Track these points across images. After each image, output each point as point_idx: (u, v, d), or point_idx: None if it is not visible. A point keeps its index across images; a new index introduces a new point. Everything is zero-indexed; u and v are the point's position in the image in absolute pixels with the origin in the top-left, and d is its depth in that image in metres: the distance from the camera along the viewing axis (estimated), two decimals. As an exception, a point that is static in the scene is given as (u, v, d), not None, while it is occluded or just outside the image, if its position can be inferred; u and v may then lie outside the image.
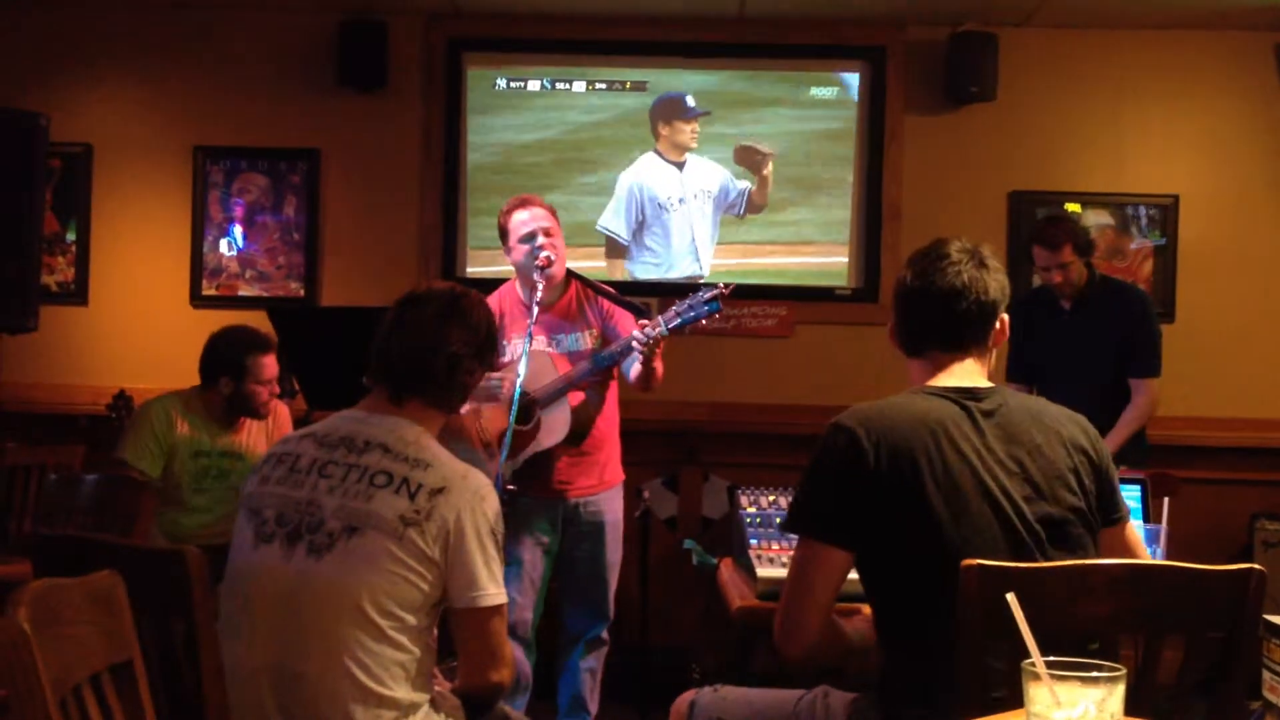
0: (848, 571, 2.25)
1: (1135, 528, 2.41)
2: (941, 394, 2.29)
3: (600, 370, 3.93)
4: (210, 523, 4.16)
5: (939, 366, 2.35)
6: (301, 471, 2.42)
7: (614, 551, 4.06)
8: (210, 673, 2.12)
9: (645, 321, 3.75)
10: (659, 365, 3.82)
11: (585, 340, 4.02)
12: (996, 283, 2.33)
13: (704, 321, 3.75)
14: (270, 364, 4.24)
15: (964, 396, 2.28)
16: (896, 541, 2.20)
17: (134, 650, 1.80)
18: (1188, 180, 5.71)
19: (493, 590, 2.37)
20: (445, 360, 2.52)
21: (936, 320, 2.34)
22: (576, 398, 3.95)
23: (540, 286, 3.87)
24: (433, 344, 2.53)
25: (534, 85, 5.83)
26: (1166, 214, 5.69)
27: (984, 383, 2.34)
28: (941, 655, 2.07)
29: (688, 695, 2.52)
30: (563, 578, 4.08)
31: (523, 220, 3.98)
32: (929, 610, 2.16)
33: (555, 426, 3.92)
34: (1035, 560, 2.15)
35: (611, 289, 4.09)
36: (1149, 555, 2.44)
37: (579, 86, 5.83)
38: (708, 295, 3.73)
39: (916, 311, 2.37)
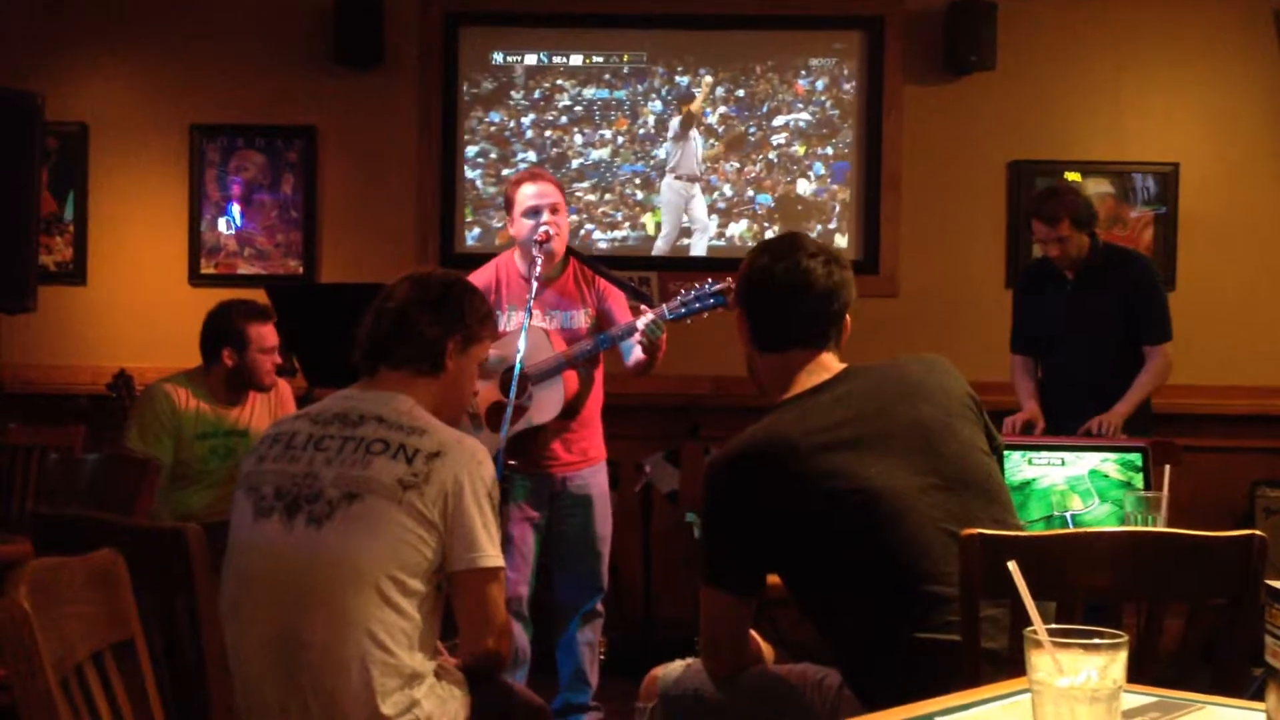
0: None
1: None
2: (810, 396, 2.28)
3: (601, 351, 3.94)
4: (217, 500, 4.15)
5: (800, 365, 2.35)
6: (298, 447, 2.43)
7: (603, 524, 4.07)
8: (212, 650, 2.12)
9: (647, 309, 3.74)
10: (660, 352, 3.83)
11: (581, 318, 4.02)
12: (852, 282, 2.38)
13: (706, 315, 3.75)
14: (270, 333, 4.24)
15: (828, 389, 2.29)
16: (823, 559, 2.19)
17: (135, 629, 1.80)
18: (1188, 148, 5.69)
19: (491, 552, 2.39)
20: (394, 316, 2.54)
21: (804, 319, 2.35)
22: (571, 376, 3.95)
23: (539, 262, 3.87)
24: (382, 306, 2.57)
25: (531, 59, 5.81)
26: (1167, 182, 5.67)
27: (838, 366, 2.36)
28: (909, 637, 2.09)
29: (655, 671, 2.50)
30: (554, 552, 4.09)
31: (530, 195, 3.95)
32: (883, 602, 2.15)
33: (548, 403, 3.91)
34: (967, 518, 2.13)
35: (608, 270, 4.08)
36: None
37: (576, 60, 5.81)
38: (716, 288, 3.71)
39: (783, 310, 2.37)
